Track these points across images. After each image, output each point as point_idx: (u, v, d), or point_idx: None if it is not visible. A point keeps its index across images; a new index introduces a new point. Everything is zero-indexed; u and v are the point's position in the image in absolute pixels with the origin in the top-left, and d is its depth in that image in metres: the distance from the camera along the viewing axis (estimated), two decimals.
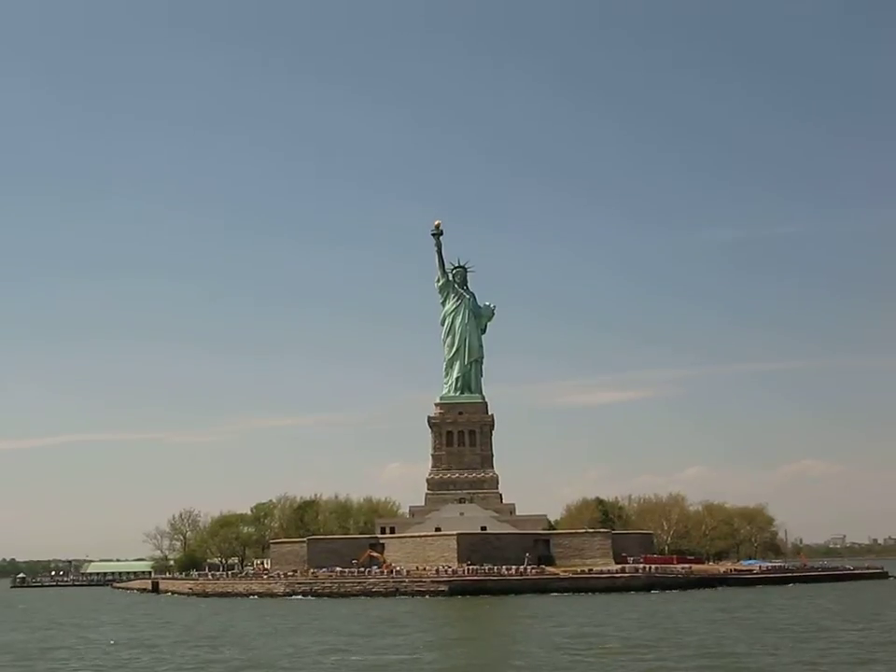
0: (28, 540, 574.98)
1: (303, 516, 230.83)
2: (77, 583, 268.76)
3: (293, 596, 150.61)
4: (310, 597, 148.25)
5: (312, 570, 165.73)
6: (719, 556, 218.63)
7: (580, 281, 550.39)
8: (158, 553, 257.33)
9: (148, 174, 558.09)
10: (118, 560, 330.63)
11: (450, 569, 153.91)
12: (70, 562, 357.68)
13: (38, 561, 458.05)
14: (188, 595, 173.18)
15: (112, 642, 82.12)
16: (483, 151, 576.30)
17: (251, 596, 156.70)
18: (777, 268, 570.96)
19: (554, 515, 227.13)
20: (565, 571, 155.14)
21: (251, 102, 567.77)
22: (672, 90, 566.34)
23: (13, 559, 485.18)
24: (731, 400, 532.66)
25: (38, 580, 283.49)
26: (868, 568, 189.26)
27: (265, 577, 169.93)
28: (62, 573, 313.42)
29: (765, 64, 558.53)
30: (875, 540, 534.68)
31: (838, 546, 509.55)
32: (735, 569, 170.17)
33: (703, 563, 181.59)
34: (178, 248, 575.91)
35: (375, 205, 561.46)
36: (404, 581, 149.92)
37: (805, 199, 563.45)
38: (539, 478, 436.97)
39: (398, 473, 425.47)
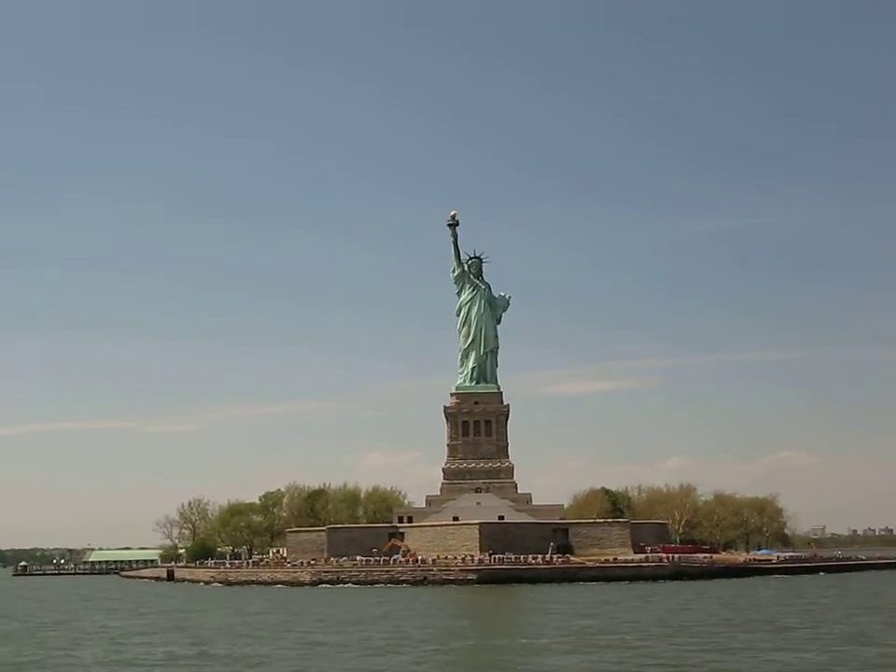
0: (10, 528, 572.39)
1: (314, 505, 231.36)
2: (80, 572, 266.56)
3: (319, 585, 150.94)
4: (338, 586, 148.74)
5: (333, 559, 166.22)
6: (727, 546, 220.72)
7: (565, 271, 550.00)
8: (168, 543, 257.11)
9: (142, 168, 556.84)
10: (100, 549, 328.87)
11: (475, 558, 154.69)
12: (70, 551, 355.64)
13: (23, 549, 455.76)
14: (208, 583, 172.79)
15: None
16: (491, 147, 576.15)
17: (277, 585, 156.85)
18: (760, 259, 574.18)
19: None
20: (589, 560, 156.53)
21: (251, 96, 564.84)
22: (669, 82, 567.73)
23: None
24: (712, 391, 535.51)
25: (40, 568, 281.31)
26: (880, 559, 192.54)
27: (288, 565, 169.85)
28: (63, 561, 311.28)
29: (760, 55, 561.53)
30: (855, 531, 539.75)
31: (818, 537, 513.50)
32: (754, 559, 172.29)
33: (718, 552, 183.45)
34: (173, 243, 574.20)
35: (382, 197, 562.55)
36: (432, 570, 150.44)
37: (792, 190, 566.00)
38: (524, 466, 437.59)
39: (380, 462, 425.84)
